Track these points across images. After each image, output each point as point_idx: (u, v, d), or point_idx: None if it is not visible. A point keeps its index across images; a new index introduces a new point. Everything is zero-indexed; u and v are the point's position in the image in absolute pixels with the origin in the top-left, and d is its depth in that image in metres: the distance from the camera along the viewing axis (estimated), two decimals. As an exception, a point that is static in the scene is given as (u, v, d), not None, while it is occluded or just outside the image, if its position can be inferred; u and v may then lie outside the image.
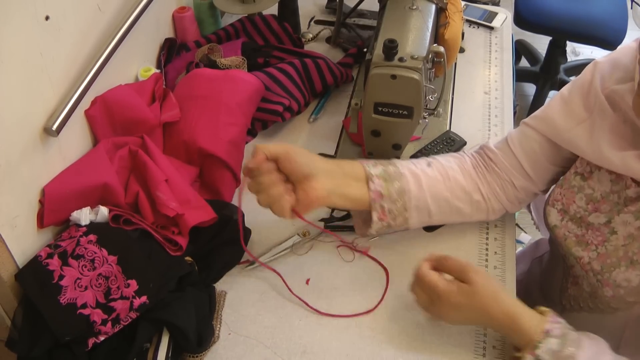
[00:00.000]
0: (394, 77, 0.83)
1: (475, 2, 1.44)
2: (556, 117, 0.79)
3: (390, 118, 0.88)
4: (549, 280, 0.97)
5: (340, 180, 0.79)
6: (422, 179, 0.82)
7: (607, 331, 0.82)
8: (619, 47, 0.77)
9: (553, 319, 0.72)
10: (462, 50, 1.28)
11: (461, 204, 0.85)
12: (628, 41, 0.77)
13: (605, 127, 0.73)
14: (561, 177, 0.83)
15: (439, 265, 0.75)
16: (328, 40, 1.30)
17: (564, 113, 0.78)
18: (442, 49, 0.86)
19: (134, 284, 0.75)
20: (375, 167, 0.82)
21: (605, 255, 0.77)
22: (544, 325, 0.70)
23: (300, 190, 0.76)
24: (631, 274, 0.74)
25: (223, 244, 0.86)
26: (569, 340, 0.69)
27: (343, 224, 0.94)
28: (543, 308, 0.74)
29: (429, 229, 0.94)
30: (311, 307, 0.83)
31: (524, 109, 2.59)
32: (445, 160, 0.87)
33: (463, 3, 1.21)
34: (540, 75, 2.54)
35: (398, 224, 0.83)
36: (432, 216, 0.84)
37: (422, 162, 0.86)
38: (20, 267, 0.75)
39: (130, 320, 0.75)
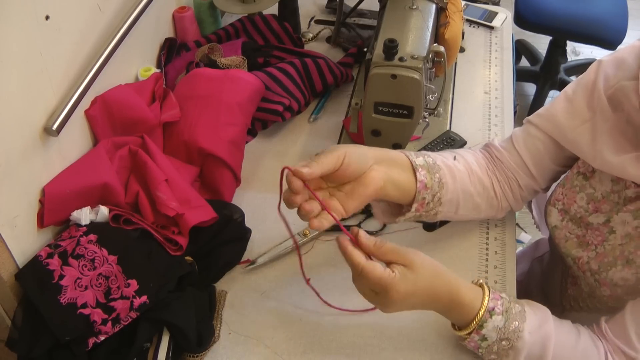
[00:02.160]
0: (394, 76, 0.83)
1: (476, 2, 1.44)
2: (560, 116, 0.79)
3: (390, 118, 0.88)
4: (549, 280, 0.97)
5: (390, 168, 0.75)
6: (455, 173, 0.81)
7: None
8: (623, 46, 0.77)
9: (494, 294, 0.72)
10: (462, 49, 1.28)
11: (480, 200, 0.84)
12: (628, 41, 0.77)
13: (607, 129, 0.73)
14: (563, 177, 0.83)
15: (374, 252, 0.71)
16: (328, 40, 1.30)
17: (568, 112, 0.78)
18: (442, 48, 0.86)
19: (134, 284, 0.75)
20: (417, 158, 0.79)
21: (603, 254, 0.77)
22: (486, 301, 0.71)
23: (358, 185, 0.71)
24: (627, 272, 0.74)
25: (223, 243, 0.86)
26: (512, 315, 0.71)
27: (343, 223, 0.94)
28: (479, 280, 0.74)
29: (429, 228, 0.94)
30: (328, 303, 0.82)
31: (524, 109, 2.59)
32: (465, 155, 0.86)
33: (463, 3, 1.21)
34: (540, 75, 2.54)
35: (429, 216, 0.81)
36: (458, 211, 0.83)
37: (448, 155, 0.84)
38: (21, 266, 0.75)
39: (130, 320, 0.75)
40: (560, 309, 0.90)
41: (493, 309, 0.70)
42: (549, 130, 0.81)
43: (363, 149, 0.73)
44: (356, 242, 0.71)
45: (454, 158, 0.84)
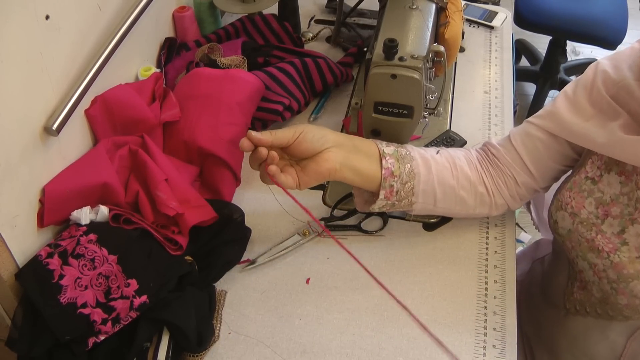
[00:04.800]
0: (394, 76, 0.83)
1: (476, 2, 1.44)
2: (563, 113, 0.78)
3: (390, 117, 0.88)
4: (552, 283, 0.96)
5: (352, 154, 0.78)
6: (431, 164, 0.82)
7: (609, 340, 0.81)
8: (622, 48, 0.77)
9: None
10: (462, 49, 1.28)
11: (465, 194, 0.84)
12: (628, 40, 0.77)
13: (617, 124, 0.72)
14: (570, 181, 0.81)
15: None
16: (328, 39, 1.30)
17: (571, 110, 0.78)
18: (442, 48, 0.86)
19: (134, 284, 0.75)
20: (388, 147, 0.82)
21: (621, 265, 0.75)
22: None
23: (311, 162, 0.76)
24: None
25: (223, 243, 0.86)
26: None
27: (343, 223, 0.94)
28: None
29: (429, 227, 0.94)
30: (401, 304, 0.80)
31: (524, 109, 2.58)
32: (453, 151, 0.88)
33: (463, 2, 1.21)
34: (540, 74, 2.54)
35: (403, 205, 0.83)
36: (437, 203, 0.84)
37: (431, 149, 0.86)
38: (21, 266, 0.75)
39: (130, 319, 0.75)
40: (563, 312, 0.90)
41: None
42: (551, 128, 0.80)
43: (325, 131, 0.78)
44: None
45: (437, 152, 0.85)
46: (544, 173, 0.84)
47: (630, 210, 0.74)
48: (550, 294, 0.95)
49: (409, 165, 0.81)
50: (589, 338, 0.85)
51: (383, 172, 0.79)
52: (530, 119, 0.84)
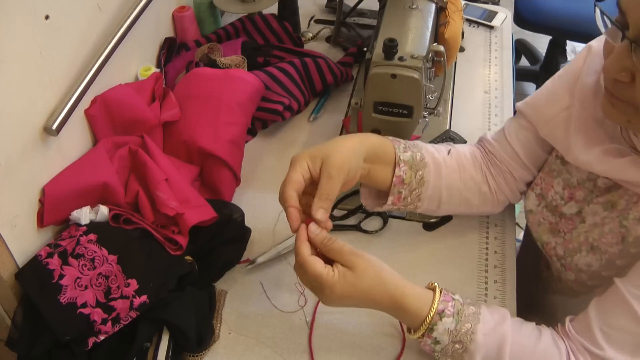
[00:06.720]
0: (393, 76, 0.83)
1: (475, 1, 1.44)
2: (542, 103, 0.79)
3: (390, 117, 0.88)
4: (525, 263, 0.97)
5: (374, 164, 0.77)
6: (442, 169, 0.82)
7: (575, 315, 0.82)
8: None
9: (445, 297, 0.71)
10: (462, 49, 1.28)
11: (470, 195, 0.85)
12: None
13: (583, 118, 0.73)
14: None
15: (321, 249, 0.70)
16: (328, 39, 1.30)
17: (550, 98, 0.79)
18: (442, 48, 0.86)
19: (134, 284, 0.75)
20: (405, 152, 0.80)
21: (569, 240, 0.78)
22: (435, 304, 0.69)
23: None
24: (592, 258, 0.75)
25: (223, 243, 0.86)
26: (465, 317, 0.69)
27: (343, 223, 0.94)
28: (433, 284, 0.72)
29: (429, 227, 0.94)
30: None
31: (524, 109, 2.58)
32: (462, 148, 0.88)
33: (463, 2, 1.22)
34: (540, 74, 2.54)
35: (407, 209, 0.84)
36: (440, 205, 0.84)
37: (443, 149, 0.86)
38: (21, 266, 0.75)
39: (130, 319, 0.75)
40: (536, 292, 0.91)
41: (443, 311, 0.69)
42: (532, 119, 0.81)
43: (357, 149, 0.73)
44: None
45: (449, 152, 0.85)
46: (536, 163, 0.85)
47: (592, 197, 0.75)
48: (524, 275, 0.96)
49: (420, 172, 0.81)
50: (561, 317, 0.86)
51: (394, 179, 0.79)
52: (520, 105, 0.84)
